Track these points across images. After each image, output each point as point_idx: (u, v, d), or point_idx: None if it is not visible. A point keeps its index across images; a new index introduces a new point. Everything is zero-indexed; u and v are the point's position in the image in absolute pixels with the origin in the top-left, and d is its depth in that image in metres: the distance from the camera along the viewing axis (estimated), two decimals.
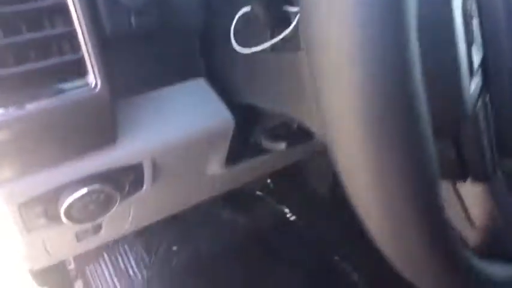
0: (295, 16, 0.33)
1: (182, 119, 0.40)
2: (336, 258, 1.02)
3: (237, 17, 0.36)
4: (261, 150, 0.52)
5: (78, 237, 0.48)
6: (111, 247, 0.91)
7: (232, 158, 0.50)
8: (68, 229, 0.43)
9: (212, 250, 1.00)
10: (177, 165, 0.43)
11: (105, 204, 0.37)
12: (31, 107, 0.27)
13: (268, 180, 1.13)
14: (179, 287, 0.93)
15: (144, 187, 0.41)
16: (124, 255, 0.91)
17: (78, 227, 0.45)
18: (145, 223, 0.60)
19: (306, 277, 0.99)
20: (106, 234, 0.52)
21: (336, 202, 1.04)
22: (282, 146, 0.40)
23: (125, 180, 0.38)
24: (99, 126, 0.32)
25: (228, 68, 0.42)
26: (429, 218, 0.22)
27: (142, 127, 0.37)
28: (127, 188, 0.38)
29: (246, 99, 0.41)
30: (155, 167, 0.40)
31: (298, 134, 0.40)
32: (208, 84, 0.43)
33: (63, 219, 0.35)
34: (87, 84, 0.29)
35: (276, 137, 0.41)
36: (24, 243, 0.43)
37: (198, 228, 1.02)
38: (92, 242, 0.55)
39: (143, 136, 0.37)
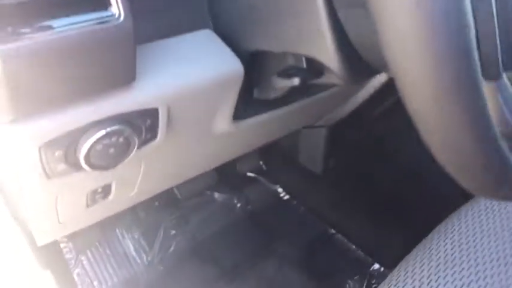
0: None
1: (194, 66, 0.41)
2: (332, 231, 1.04)
3: None
4: (267, 105, 0.53)
5: (89, 201, 0.47)
6: (109, 234, 0.90)
7: (239, 114, 0.51)
8: (81, 187, 0.43)
9: (210, 232, 1.00)
10: (189, 116, 0.44)
11: (124, 149, 0.37)
12: (59, 32, 0.27)
13: (261, 162, 1.14)
14: (179, 270, 0.93)
15: (158, 137, 0.41)
16: (122, 241, 0.90)
17: (89, 188, 0.45)
18: (152, 192, 0.60)
19: (303, 252, 1.00)
20: (114, 200, 0.51)
21: (327, 179, 1.06)
22: (295, 81, 0.41)
23: (141, 125, 0.38)
24: (122, 60, 0.32)
25: (236, 18, 0.42)
26: (476, 114, 0.24)
27: (156, 72, 0.38)
28: (143, 134, 0.39)
29: (256, 46, 0.42)
30: (169, 115, 0.40)
31: (308, 71, 0.41)
32: (216, 35, 0.44)
33: (83, 163, 0.35)
34: (112, 15, 0.29)
35: (288, 75, 0.42)
36: (38, 207, 0.42)
37: (194, 212, 1.01)
38: (100, 212, 0.54)
39: (159, 81, 0.37)
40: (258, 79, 0.47)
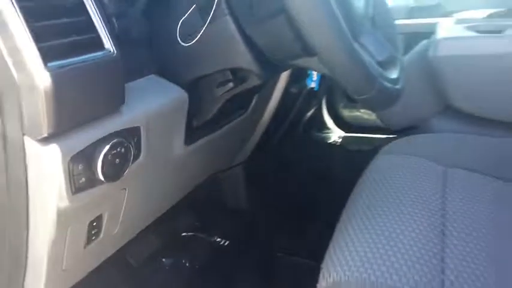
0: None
1: (154, 97, 0.54)
2: (280, 254, 1.15)
3: (180, 22, 0.54)
4: (207, 130, 0.68)
5: (87, 238, 0.54)
6: None
7: (188, 140, 0.64)
8: (87, 212, 0.50)
9: None
10: (156, 137, 0.56)
11: (126, 158, 0.47)
12: (75, 63, 0.39)
13: (195, 220, 1.22)
14: None
15: (141, 154, 0.52)
16: None
17: (91, 216, 0.52)
18: (132, 230, 0.67)
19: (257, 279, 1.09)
20: (103, 240, 0.58)
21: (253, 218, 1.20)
22: (230, 85, 0.58)
23: (131, 141, 0.49)
24: (117, 85, 0.44)
25: (177, 60, 0.58)
26: (341, 43, 0.43)
27: (133, 102, 0.50)
28: (132, 150, 0.49)
29: (195, 74, 0.58)
30: (146, 134, 0.52)
31: (236, 79, 0.58)
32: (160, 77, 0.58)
33: (99, 173, 0.44)
34: (108, 51, 0.43)
35: (224, 83, 0.58)
36: (49, 245, 0.48)
37: (148, 279, 1.04)
38: (94, 255, 0.60)
39: (137, 106, 0.50)
40: (200, 102, 0.62)
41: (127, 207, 0.59)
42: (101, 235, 0.57)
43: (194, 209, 1.22)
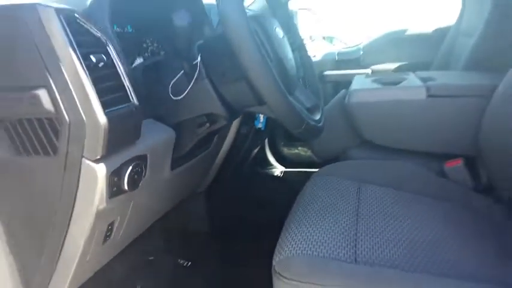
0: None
1: (153, 135, 0.77)
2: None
3: (172, 82, 0.78)
4: (186, 159, 0.90)
5: (105, 235, 0.73)
6: None
7: (173, 167, 0.87)
8: (109, 214, 0.70)
9: None
10: (153, 164, 0.77)
11: (140, 175, 0.69)
12: (117, 110, 0.62)
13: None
14: None
15: (146, 174, 0.74)
16: None
17: (110, 219, 0.72)
18: (129, 236, 0.86)
19: None
20: (112, 242, 0.78)
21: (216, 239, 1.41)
22: (208, 125, 0.82)
23: (142, 163, 0.71)
24: (137, 126, 0.67)
25: (169, 109, 0.81)
26: (280, 96, 0.69)
27: (141, 138, 0.72)
28: (144, 171, 0.71)
29: (178, 119, 0.81)
30: (150, 160, 0.74)
31: (210, 121, 0.82)
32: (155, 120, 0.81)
33: (125, 183, 0.66)
34: (134, 103, 0.65)
35: (202, 124, 0.82)
36: (82, 237, 0.67)
37: None
38: (105, 253, 0.79)
39: (144, 141, 0.72)
40: (182, 138, 0.85)
41: (130, 216, 0.79)
42: (112, 237, 0.77)
43: (160, 234, 1.40)
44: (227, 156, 1.30)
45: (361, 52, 2.22)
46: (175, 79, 0.78)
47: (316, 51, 2.59)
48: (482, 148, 1.06)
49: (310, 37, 2.77)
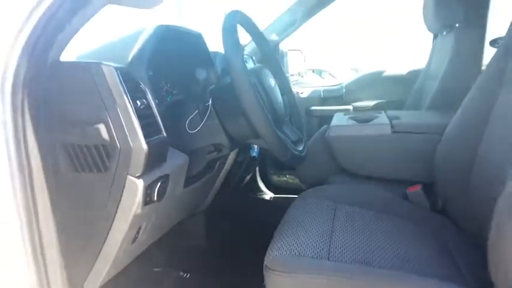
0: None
1: (173, 159, 0.99)
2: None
3: (188, 119, 1.02)
4: (194, 180, 1.13)
5: (134, 236, 0.94)
6: None
7: (185, 185, 1.09)
8: (140, 219, 0.91)
9: None
10: (173, 180, 0.99)
11: (165, 189, 0.91)
12: (153, 140, 0.84)
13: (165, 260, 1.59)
14: None
15: (168, 190, 0.95)
16: None
17: (140, 223, 0.93)
18: (147, 241, 1.06)
19: None
20: (138, 244, 0.98)
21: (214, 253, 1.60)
22: (215, 153, 1.04)
23: (166, 181, 0.93)
24: (165, 152, 0.89)
25: (185, 139, 1.04)
26: (271, 131, 0.93)
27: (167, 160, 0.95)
28: (167, 186, 0.93)
29: (191, 148, 1.04)
30: (171, 179, 0.96)
31: (216, 149, 1.05)
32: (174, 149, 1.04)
33: (155, 195, 0.87)
34: (164, 135, 0.88)
35: (211, 152, 1.05)
36: (121, 237, 0.88)
37: None
38: (132, 252, 0.99)
39: (167, 164, 0.94)
40: (193, 163, 1.08)
41: (153, 222, 1.00)
42: (138, 238, 0.97)
43: (163, 248, 1.59)
44: (225, 180, 1.52)
45: (344, 90, 2.51)
46: (191, 117, 1.02)
47: (308, 83, 2.90)
48: (436, 176, 1.30)
49: (299, 73, 3.07)
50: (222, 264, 1.61)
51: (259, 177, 2.35)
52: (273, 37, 2.29)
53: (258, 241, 1.53)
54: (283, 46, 2.42)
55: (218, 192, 1.53)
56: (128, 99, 0.80)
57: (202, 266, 1.61)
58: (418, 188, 1.37)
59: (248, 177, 1.99)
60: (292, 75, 2.71)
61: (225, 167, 1.47)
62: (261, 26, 2.04)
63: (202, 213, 1.56)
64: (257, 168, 2.28)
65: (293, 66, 2.84)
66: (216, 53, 1.37)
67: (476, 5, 1.92)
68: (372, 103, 2.47)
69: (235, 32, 0.93)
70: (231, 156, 1.47)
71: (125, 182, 0.83)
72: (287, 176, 2.45)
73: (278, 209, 2.02)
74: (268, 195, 2.34)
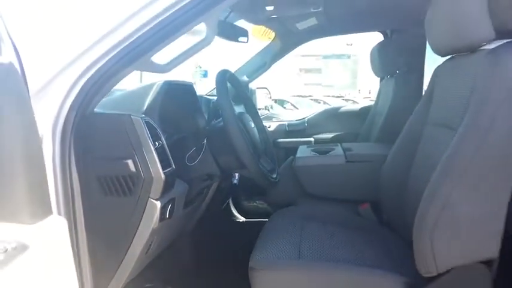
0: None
1: (177, 186, 1.26)
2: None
3: (187, 154, 1.30)
4: (191, 203, 1.40)
5: (147, 248, 1.19)
6: None
7: (184, 206, 1.35)
8: (153, 234, 1.17)
9: None
10: (178, 203, 1.26)
11: (174, 209, 1.17)
12: (169, 171, 1.11)
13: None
14: None
15: (174, 212, 1.22)
16: None
17: (151, 238, 1.18)
18: (151, 255, 1.30)
19: None
20: (148, 255, 1.23)
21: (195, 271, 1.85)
22: (209, 180, 1.32)
23: (174, 203, 1.19)
24: (174, 180, 1.16)
25: (185, 171, 1.31)
26: (255, 164, 1.23)
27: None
28: (174, 207, 1.20)
29: (190, 177, 1.32)
30: (176, 201, 1.23)
31: (210, 177, 1.33)
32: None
33: (167, 215, 1.14)
34: (173, 168, 1.15)
35: (205, 180, 1.32)
36: (140, 249, 1.13)
37: None
38: (142, 262, 1.24)
39: (174, 189, 1.21)
40: (190, 189, 1.34)
41: (161, 236, 1.25)
42: (150, 249, 1.22)
43: (154, 265, 1.82)
44: (209, 203, 1.79)
45: (306, 124, 2.87)
46: (189, 152, 1.30)
47: (275, 115, 3.27)
48: (380, 196, 1.64)
49: (265, 107, 3.43)
50: (207, 275, 1.85)
51: (232, 203, 2.63)
52: (244, 78, 2.62)
53: (237, 256, 1.80)
54: (251, 84, 2.76)
55: (203, 214, 1.79)
56: (151, 141, 1.07)
57: (190, 281, 1.84)
58: (367, 206, 1.70)
59: (228, 201, 2.26)
60: (260, 109, 3.06)
61: (209, 193, 1.74)
62: (232, 68, 2.39)
63: (189, 232, 1.81)
64: (230, 197, 2.56)
65: (261, 101, 3.21)
66: (201, 97, 1.67)
67: (414, 55, 2.35)
68: (330, 135, 2.84)
69: (226, 87, 1.24)
70: (215, 184, 1.74)
71: (146, 204, 1.09)
72: (257, 201, 2.74)
73: (250, 230, 2.30)
74: (240, 219, 2.61)
